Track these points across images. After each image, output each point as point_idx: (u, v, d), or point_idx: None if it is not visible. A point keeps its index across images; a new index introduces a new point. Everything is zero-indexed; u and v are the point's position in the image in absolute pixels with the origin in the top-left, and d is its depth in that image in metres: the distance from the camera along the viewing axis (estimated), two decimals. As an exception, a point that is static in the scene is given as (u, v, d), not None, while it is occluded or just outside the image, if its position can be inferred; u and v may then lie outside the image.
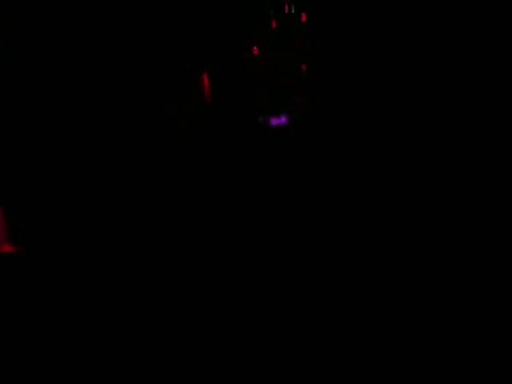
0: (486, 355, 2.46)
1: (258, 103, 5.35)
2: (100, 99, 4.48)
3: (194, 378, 2.60)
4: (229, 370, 2.63)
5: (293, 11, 5.34)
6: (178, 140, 4.81)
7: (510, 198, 3.67)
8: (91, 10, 4.36)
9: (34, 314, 3.23)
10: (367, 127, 5.06)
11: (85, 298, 3.35)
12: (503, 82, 4.83)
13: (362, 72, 5.24)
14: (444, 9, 5.41)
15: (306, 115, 5.38)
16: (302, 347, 2.69)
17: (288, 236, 3.77)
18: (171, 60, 4.86)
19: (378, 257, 3.31)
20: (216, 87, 5.12)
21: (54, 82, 4.24)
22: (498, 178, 3.98)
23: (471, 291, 2.89)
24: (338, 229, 3.71)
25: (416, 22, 5.30)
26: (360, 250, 3.45)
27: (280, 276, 3.32)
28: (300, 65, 5.43)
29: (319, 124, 5.26)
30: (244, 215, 4.11)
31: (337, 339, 2.72)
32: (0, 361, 2.86)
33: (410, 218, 3.67)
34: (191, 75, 5.00)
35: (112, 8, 4.40)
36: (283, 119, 5.32)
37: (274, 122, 5.33)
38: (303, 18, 5.35)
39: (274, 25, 5.34)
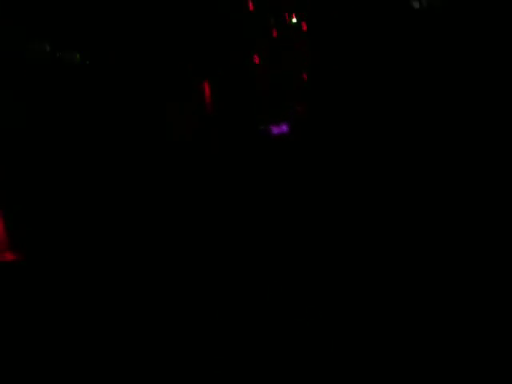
0: (486, 355, 2.47)
1: (258, 112, 5.36)
2: (104, 107, 4.49)
3: (194, 378, 2.61)
4: (229, 370, 2.63)
5: (294, 21, 5.37)
6: (179, 146, 4.82)
7: (509, 197, 3.69)
8: (96, 18, 4.38)
9: (36, 320, 3.24)
10: (367, 136, 5.07)
11: (85, 304, 3.35)
12: (497, 82, 4.84)
13: (362, 81, 5.26)
14: (442, 15, 5.44)
15: (307, 124, 5.40)
16: (302, 347, 2.70)
17: (287, 238, 3.79)
18: (173, 68, 4.88)
19: (378, 258, 3.33)
20: (217, 96, 5.13)
21: (61, 86, 4.26)
22: (493, 176, 4.00)
23: (471, 290, 2.91)
24: (335, 234, 3.72)
25: (416, 38, 5.32)
26: (358, 251, 3.47)
27: (279, 276, 3.34)
28: (301, 74, 5.45)
29: (320, 133, 5.27)
30: (244, 219, 4.12)
31: (337, 339, 2.72)
32: (2, 364, 2.86)
33: (407, 227, 3.69)
34: (193, 84, 5.02)
35: (123, 21, 4.42)
36: (284, 128, 5.33)
37: (275, 130, 5.34)
38: (304, 27, 5.38)
39: (275, 34, 5.37)
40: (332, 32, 5.35)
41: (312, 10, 5.42)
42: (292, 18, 5.46)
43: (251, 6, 5.29)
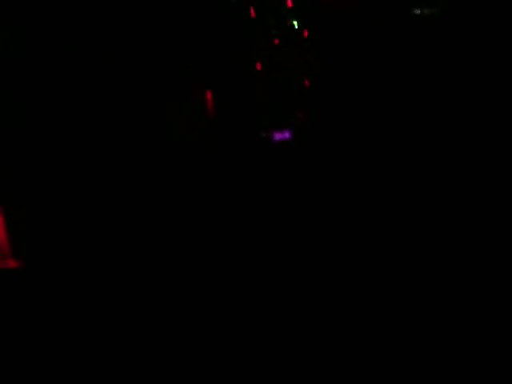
0: (486, 355, 2.46)
1: (260, 118, 5.36)
2: (105, 109, 4.49)
3: (194, 378, 2.60)
4: (229, 370, 2.62)
5: (296, 27, 5.38)
6: (180, 152, 4.81)
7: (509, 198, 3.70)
8: (98, 22, 4.38)
9: (38, 326, 3.22)
10: (370, 143, 5.07)
11: (87, 311, 3.34)
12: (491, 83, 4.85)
13: (365, 88, 5.27)
14: (443, 22, 5.46)
15: (309, 131, 5.40)
16: (302, 347, 2.69)
17: (286, 241, 3.80)
18: (174, 74, 4.88)
19: (378, 259, 3.34)
20: (219, 102, 5.14)
21: (60, 86, 4.25)
22: (493, 176, 4.00)
23: (471, 290, 2.91)
24: (336, 240, 3.73)
25: (418, 45, 5.34)
26: (357, 253, 3.48)
27: (278, 277, 3.34)
28: (303, 80, 5.45)
29: (322, 139, 5.27)
30: (244, 222, 4.12)
31: (336, 339, 2.72)
32: (3, 370, 2.85)
33: (409, 236, 3.70)
34: (194, 91, 5.02)
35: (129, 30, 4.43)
36: (286, 134, 5.32)
37: (277, 137, 5.34)
38: (306, 33, 5.39)
39: (276, 41, 5.38)
40: (334, 39, 5.36)
41: (314, 17, 5.44)
42: (294, 24, 5.47)
43: (253, 13, 5.30)
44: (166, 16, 4.74)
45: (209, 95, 5.04)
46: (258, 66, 5.34)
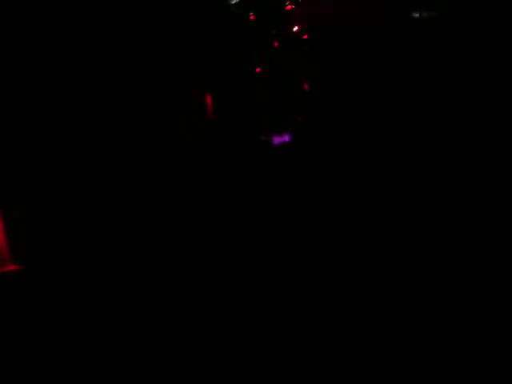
0: (486, 355, 2.46)
1: (260, 122, 5.36)
2: (105, 110, 4.48)
3: (194, 378, 2.59)
4: (228, 370, 2.61)
5: (295, 31, 5.38)
6: (179, 155, 4.81)
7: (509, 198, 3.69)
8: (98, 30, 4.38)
9: (37, 330, 3.21)
10: (369, 146, 5.07)
11: (86, 314, 3.33)
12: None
13: (364, 91, 5.26)
14: (443, 25, 5.46)
15: (309, 134, 5.39)
16: (302, 346, 2.69)
17: (285, 243, 3.79)
18: (174, 77, 4.88)
19: (377, 260, 3.33)
20: (218, 106, 5.13)
21: (60, 87, 4.25)
22: (493, 176, 3.99)
23: (470, 290, 2.91)
24: (335, 245, 3.72)
25: (418, 49, 5.34)
26: (356, 256, 3.47)
27: (277, 278, 3.34)
28: (302, 84, 5.45)
29: (321, 143, 5.27)
30: (244, 226, 4.11)
31: (336, 339, 2.71)
32: (3, 373, 2.84)
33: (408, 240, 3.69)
34: (193, 94, 5.02)
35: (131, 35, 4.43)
36: (286, 138, 5.32)
37: (277, 140, 5.33)
38: (305, 36, 5.39)
39: (276, 44, 5.38)
40: (333, 42, 5.36)
41: (313, 20, 5.44)
42: (293, 27, 5.47)
43: (252, 16, 5.30)
44: (165, 17, 4.75)
45: (208, 98, 5.03)
46: (258, 69, 5.33)
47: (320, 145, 5.24)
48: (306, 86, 5.50)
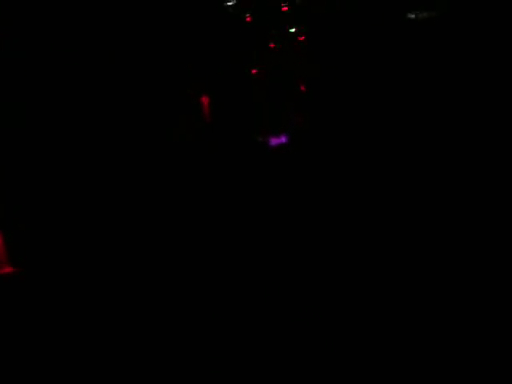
0: (486, 355, 2.45)
1: (257, 123, 5.36)
2: (104, 111, 4.48)
3: (194, 378, 2.59)
4: (229, 370, 2.61)
5: (292, 31, 5.39)
6: (178, 152, 4.81)
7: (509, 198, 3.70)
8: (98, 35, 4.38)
9: (35, 332, 3.21)
10: (367, 146, 5.07)
11: (84, 315, 3.33)
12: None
13: (361, 92, 5.27)
14: (439, 25, 5.47)
15: (306, 135, 5.40)
16: (302, 346, 2.69)
17: (284, 243, 3.80)
18: (172, 78, 4.88)
19: (377, 261, 3.34)
20: (216, 106, 5.14)
21: (59, 87, 4.24)
22: (493, 176, 4.00)
23: (470, 290, 2.91)
24: (333, 245, 3.73)
25: (414, 49, 5.35)
26: (355, 257, 3.48)
27: (274, 277, 3.34)
28: (299, 85, 5.46)
29: (319, 143, 5.27)
30: (242, 228, 4.11)
31: (336, 339, 2.71)
32: (1, 375, 2.84)
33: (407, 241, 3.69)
34: (191, 95, 5.02)
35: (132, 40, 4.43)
36: (283, 139, 5.32)
37: (274, 141, 5.33)
38: (302, 38, 5.40)
39: (272, 45, 5.39)
40: (331, 42, 5.37)
41: (310, 21, 5.45)
42: (290, 28, 5.49)
43: (249, 17, 5.31)
44: (164, 19, 4.75)
45: (206, 99, 5.04)
46: (255, 70, 5.34)
47: (317, 146, 5.24)
48: (302, 87, 5.51)
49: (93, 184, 4.39)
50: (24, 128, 4.17)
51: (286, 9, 5.56)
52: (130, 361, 2.88)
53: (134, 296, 3.48)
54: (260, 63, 5.44)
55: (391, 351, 2.61)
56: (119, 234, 4.14)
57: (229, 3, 5.41)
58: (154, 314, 3.25)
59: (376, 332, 2.76)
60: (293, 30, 5.49)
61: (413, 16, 5.61)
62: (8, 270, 3.95)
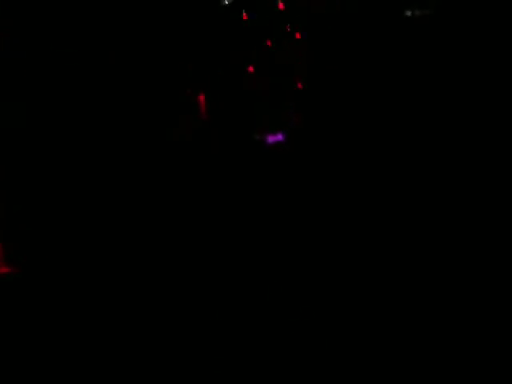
0: (486, 355, 2.45)
1: (254, 121, 5.35)
2: (103, 111, 4.47)
3: (194, 378, 2.58)
4: (228, 370, 2.60)
5: (289, 30, 5.37)
6: (175, 156, 4.80)
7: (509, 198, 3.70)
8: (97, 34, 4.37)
9: (32, 333, 3.20)
10: (364, 146, 5.07)
11: (82, 316, 3.32)
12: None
13: (359, 91, 5.26)
14: (435, 23, 5.47)
15: (303, 133, 5.39)
16: (302, 346, 2.68)
17: (282, 243, 3.79)
18: (167, 77, 4.87)
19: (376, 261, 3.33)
20: (213, 105, 5.13)
21: (57, 87, 4.23)
22: (493, 176, 4.00)
23: (470, 290, 2.91)
24: (330, 244, 3.73)
25: (411, 47, 5.35)
26: (354, 257, 3.47)
27: (273, 277, 3.33)
28: (297, 83, 5.44)
29: (316, 142, 5.27)
30: (240, 227, 4.11)
31: (336, 339, 2.71)
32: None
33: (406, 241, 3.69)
34: (187, 93, 5.01)
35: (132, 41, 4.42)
36: (280, 137, 5.32)
37: (271, 139, 5.32)
38: (298, 36, 5.38)
39: (269, 43, 5.37)
40: (328, 41, 5.36)
41: (308, 20, 5.44)
42: (288, 27, 5.47)
43: (245, 16, 5.30)
44: (163, 19, 4.74)
45: (202, 97, 5.03)
46: (251, 69, 5.33)
47: (314, 144, 5.24)
48: (299, 85, 5.49)
49: (92, 183, 4.38)
50: (24, 128, 4.16)
51: (282, 7, 5.54)
52: (130, 361, 2.87)
53: (133, 295, 3.47)
54: (257, 61, 5.42)
55: (391, 351, 2.61)
56: (119, 233, 4.14)
57: (225, 1, 5.39)
58: (154, 314, 3.25)
59: (376, 332, 2.76)
60: (290, 28, 5.47)
61: (409, 13, 5.61)
62: (5, 270, 3.94)
